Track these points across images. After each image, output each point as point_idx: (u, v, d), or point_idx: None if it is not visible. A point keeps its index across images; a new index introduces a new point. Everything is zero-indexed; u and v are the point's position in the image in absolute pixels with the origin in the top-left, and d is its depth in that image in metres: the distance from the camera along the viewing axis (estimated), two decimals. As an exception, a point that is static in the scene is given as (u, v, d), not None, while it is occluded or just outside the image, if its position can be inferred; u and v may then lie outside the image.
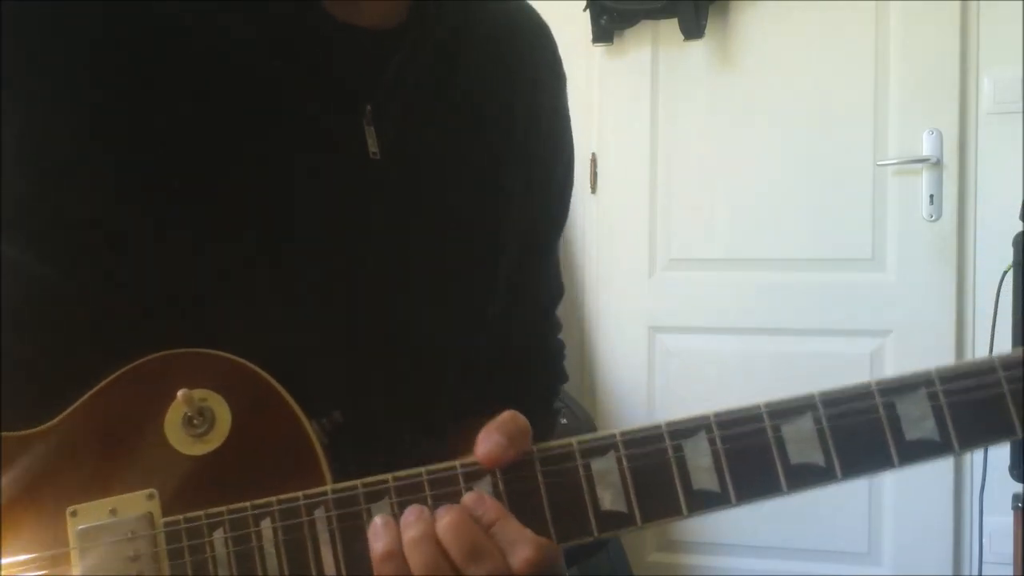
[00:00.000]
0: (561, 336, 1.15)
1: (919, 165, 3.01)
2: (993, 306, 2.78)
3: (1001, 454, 2.64)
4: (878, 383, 0.74)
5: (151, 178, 0.84)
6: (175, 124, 0.84)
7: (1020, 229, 2.53)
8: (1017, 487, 2.55)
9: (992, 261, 2.86)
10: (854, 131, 3.06)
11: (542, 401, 1.11)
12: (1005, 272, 2.68)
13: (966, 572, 2.98)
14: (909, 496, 3.04)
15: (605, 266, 3.27)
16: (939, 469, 3.01)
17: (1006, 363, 0.74)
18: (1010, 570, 2.65)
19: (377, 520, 0.75)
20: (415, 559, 0.73)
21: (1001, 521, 2.75)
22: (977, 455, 2.89)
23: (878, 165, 3.05)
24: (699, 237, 3.20)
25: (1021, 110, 2.89)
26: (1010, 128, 2.92)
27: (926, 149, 3.01)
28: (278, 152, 0.87)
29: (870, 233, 3.06)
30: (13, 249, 0.84)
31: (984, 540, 2.90)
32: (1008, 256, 2.59)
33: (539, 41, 1.10)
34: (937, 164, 3.00)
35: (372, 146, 0.90)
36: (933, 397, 0.74)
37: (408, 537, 0.74)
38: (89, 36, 0.83)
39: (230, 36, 0.86)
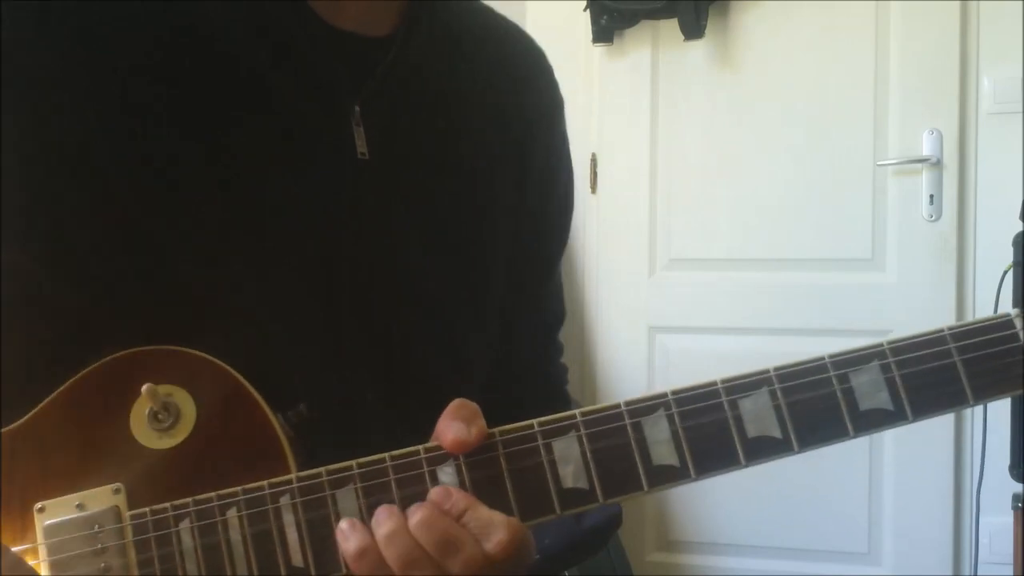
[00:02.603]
0: (564, 361, 1.15)
1: (919, 165, 3.01)
2: (993, 306, 2.78)
3: (1001, 454, 2.64)
4: (832, 356, 0.77)
5: (137, 177, 0.84)
6: (162, 123, 0.85)
7: (1020, 229, 2.52)
8: (1017, 487, 2.55)
9: (992, 261, 2.85)
10: (854, 131, 3.06)
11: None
12: (1005, 272, 2.68)
13: (966, 572, 2.97)
14: (909, 496, 3.04)
15: (605, 266, 3.27)
16: (938, 469, 3.01)
17: (956, 334, 0.76)
18: (1010, 570, 2.64)
19: (343, 524, 0.76)
20: (391, 553, 0.75)
21: (1001, 521, 2.75)
22: (976, 455, 2.88)
23: (878, 165, 3.05)
24: (699, 237, 3.20)
25: (1021, 110, 2.88)
26: (1010, 128, 2.92)
27: (926, 149, 3.00)
28: (266, 151, 0.88)
29: (870, 233, 3.06)
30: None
31: (984, 540, 2.89)
32: (1008, 256, 2.58)
33: (537, 59, 1.11)
34: (937, 164, 2.99)
35: (361, 147, 0.91)
36: (886, 369, 0.76)
37: (381, 534, 0.75)
38: (86, 34, 0.84)
39: (219, 37, 0.87)
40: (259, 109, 0.88)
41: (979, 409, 2.84)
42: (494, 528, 0.75)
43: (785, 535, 3.13)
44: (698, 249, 3.21)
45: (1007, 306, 2.66)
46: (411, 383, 0.94)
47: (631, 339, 3.27)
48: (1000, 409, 2.64)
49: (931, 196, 3.01)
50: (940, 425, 2.99)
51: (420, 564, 0.74)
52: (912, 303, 3.01)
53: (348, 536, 0.76)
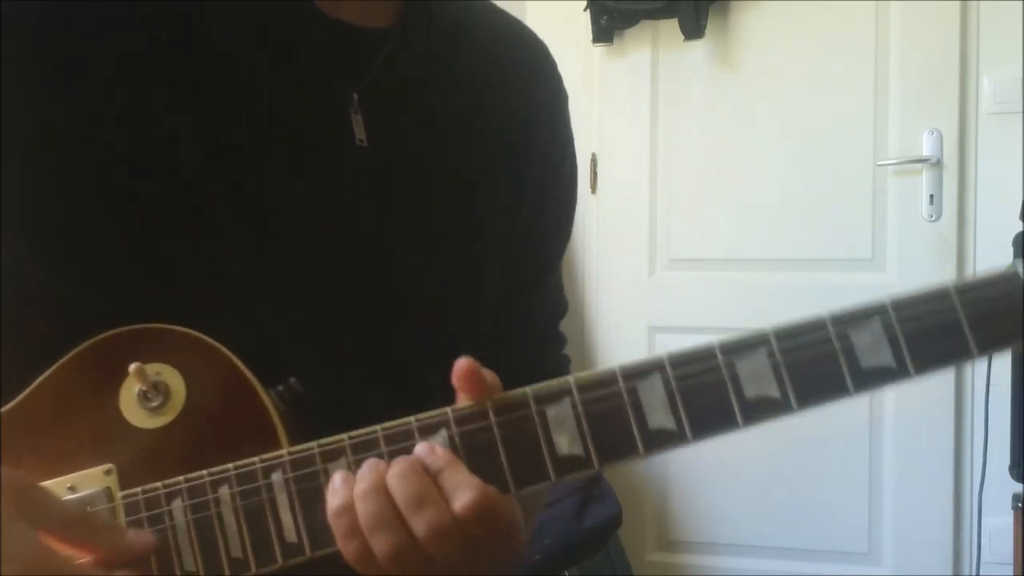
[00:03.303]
0: (566, 351, 1.15)
1: (919, 165, 3.01)
2: (993, 306, 2.77)
3: (1001, 454, 2.64)
4: (832, 315, 0.75)
5: (135, 173, 0.84)
6: (161, 120, 0.85)
7: (1020, 229, 2.52)
8: (1017, 487, 2.54)
9: (992, 261, 2.83)
10: (854, 131, 3.06)
11: None
12: (1005, 272, 2.67)
13: (966, 572, 2.97)
14: (909, 496, 3.03)
15: (605, 266, 3.27)
16: (939, 469, 3.00)
17: (960, 288, 0.75)
18: (1010, 570, 2.64)
19: (336, 477, 0.76)
20: (362, 510, 0.74)
21: (1001, 521, 2.74)
22: (977, 455, 2.88)
23: (878, 165, 3.04)
24: (699, 237, 3.20)
25: (1021, 110, 2.88)
26: (1010, 128, 2.91)
27: (926, 149, 3.00)
28: (265, 140, 0.88)
29: (870, 233, 3.06)
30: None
31: (984, 540, 2.88)
32: (1008, 256, 2.58)
33: (538, 56, 1.11)
34: (937, 164, 2.99)
35: (359, 134, 0.91)
36: (887, 323, 0.75)
37: (358, 489, 0.74)
38: (84, 32, 0.84)
39: (216, 27, 0.87)
40: (257, 100, 0.88)
41: (980, 409, 2.84)
42: (464, 488, 0.74)
43: (785, 535, 3.13)
44: (698, 249, 3.21)
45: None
46: (405, 375, 0.94)
47: (631, 339, 3.26)
48: (1000, 409, 2.63)
49: (931, 196, 3.01)
50: (940, 425, 2.99)
51: (386, 526, 0.73)
52: (912, 303, 3.00)
53: (336, 492, 0.75)
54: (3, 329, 0.85)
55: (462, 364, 0.76)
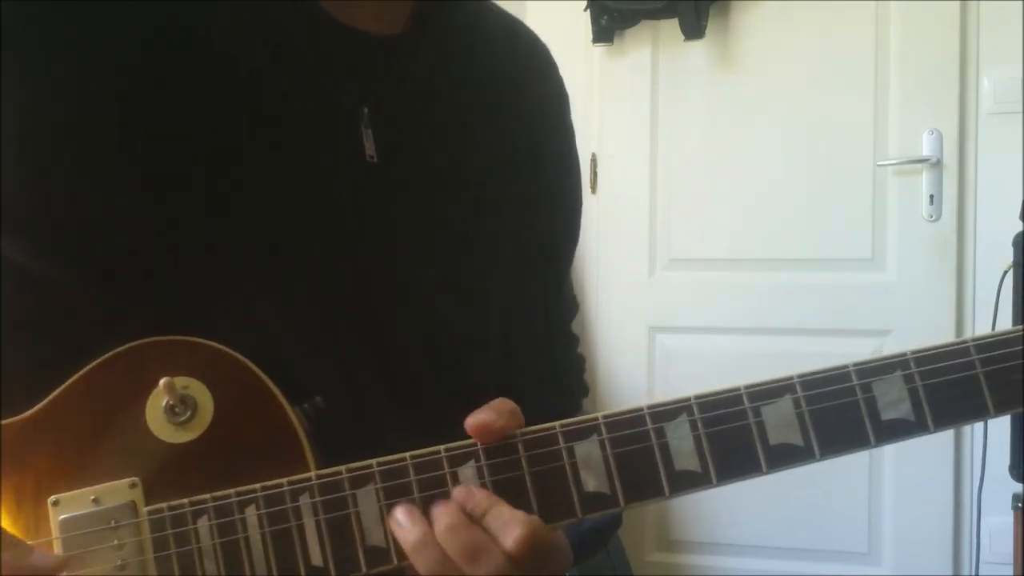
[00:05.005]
0: (580, 350, 1.14)
1: (919, 165, 3.01)
2: (993, 306, 2.78)
3: (1001, 454, 2.64)
4: (855, 365, 0.76)
5: (145, 174, 0.84)
6: (169, 121, 0.84)
7: (1020, 229, 2.52)
8: (1017, 487, 2.55)
9: (992, 261, 2.85)
10: (854, 131, 3.06)
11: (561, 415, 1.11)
12: (1005, 272, 2.68)
13: (966, 572, 2.97)
14: (909, 496, 3.04)
15: (605, 266, 3.27)
16: (938, 469, 3.01)
17: (980, 346, 0.76)
18: (1010, 570, 2.64)
19: (399, 513, 0.76)
20: (420, 563, 0.75)
21: (1001, 521, 2.75)
22: (976, 455, 2.88)
23: (878, 165, 3.05)
24: (699, 237, 3.20)
25: (1021, 110, 2.89)
26: (1010, 128, 2.92)
27: (926, 149, 3.00)
28: (272, 151, 0.87)
29: (870, 233, 3.06)
30: (5, 240, 0.84)
31: (984, 540, 2.89)
32: (1008, 256, 2.58)
33: (542, 62, 1.11)
34: (937, 164, 3.00)
35: (369, 149, 0.90)
36: (909, 379, 0.76)
37: (409, 542, 0.75)
38: (85, 34, 0.83)
39: (227, 35, 0.86)
40: (264, 111, 0.87)
41: (979, 409, 2.84)
42: (513, 524, 0.74)
43: (785, 535, 3.13)
44: (698, 249, 3.21)
45: (1007, 306, 2.66)
46: (411, 384, 0.94)
47: (631, 339, 3.26)
48: (1001, 409, 2.64)
49: (931, 196, 3.01)
50: (940, 425, 2.99)
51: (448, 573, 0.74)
52: (912, 303, 3.01)
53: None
54: (8, 322, 0.84)
55: (469, 422, 0.77)
